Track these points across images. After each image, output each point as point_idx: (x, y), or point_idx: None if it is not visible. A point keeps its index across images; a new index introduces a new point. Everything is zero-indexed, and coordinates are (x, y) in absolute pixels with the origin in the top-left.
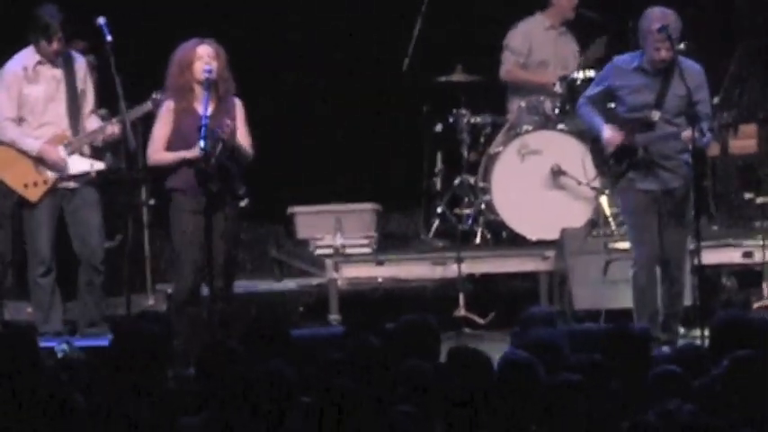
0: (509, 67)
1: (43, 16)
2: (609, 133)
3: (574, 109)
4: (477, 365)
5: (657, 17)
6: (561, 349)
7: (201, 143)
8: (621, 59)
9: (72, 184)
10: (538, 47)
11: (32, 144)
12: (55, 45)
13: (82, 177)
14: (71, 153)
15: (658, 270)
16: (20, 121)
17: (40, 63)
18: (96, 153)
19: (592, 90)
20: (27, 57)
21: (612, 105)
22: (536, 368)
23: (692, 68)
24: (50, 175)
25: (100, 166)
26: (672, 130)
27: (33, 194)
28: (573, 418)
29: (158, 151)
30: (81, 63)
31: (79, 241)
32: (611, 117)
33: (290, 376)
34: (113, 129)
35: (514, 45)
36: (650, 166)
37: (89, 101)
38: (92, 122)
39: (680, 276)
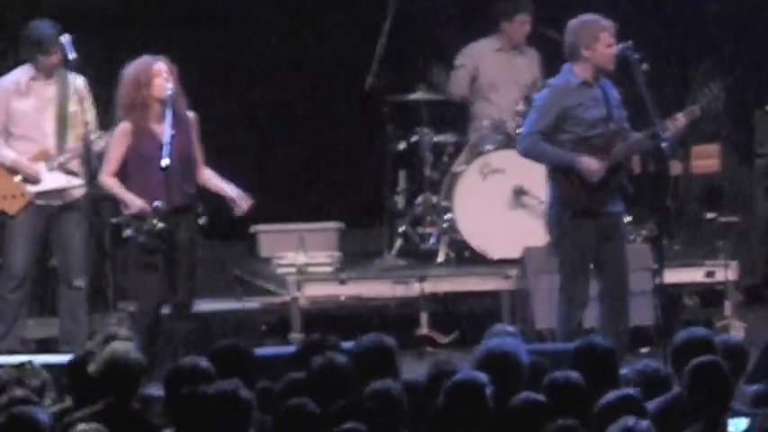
0: (455, 86)
1: (37, 31)
2: (588, 162)
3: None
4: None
5: (597, 18)
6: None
7: (166, 161)
8: (557, 82)
9: (56, 202)
10: (486, 68)
11: (8, 155)
12: (53, 58)
13: (64, 195)
14: (51, 169)
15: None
16: (7, 134)
17: (33, 79)
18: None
19: (538, 124)
20: (22, 72)
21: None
22: (483, 390)
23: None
24: (28, 188)
25: (78, 182)
26: (640, 134)
27: (11, 207)
28: None
29: (108, 175)
30: (78, 83)
31: (58, 260)
32: (562, 146)
33: (246, 397)
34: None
35: (459, 63)
36: (618, 183)
37: (86, 120)
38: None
39: (626, 298)
